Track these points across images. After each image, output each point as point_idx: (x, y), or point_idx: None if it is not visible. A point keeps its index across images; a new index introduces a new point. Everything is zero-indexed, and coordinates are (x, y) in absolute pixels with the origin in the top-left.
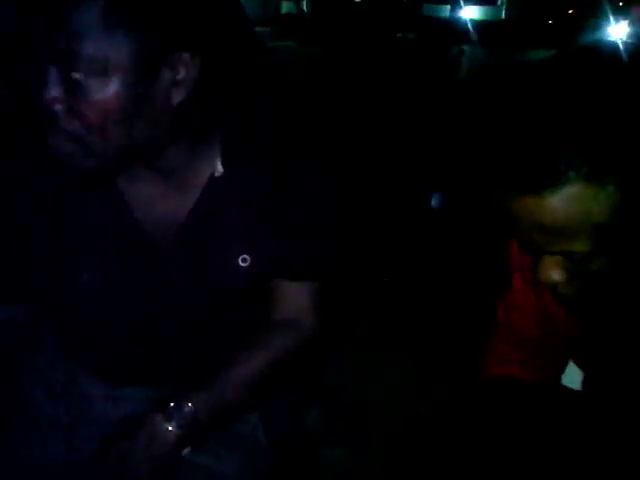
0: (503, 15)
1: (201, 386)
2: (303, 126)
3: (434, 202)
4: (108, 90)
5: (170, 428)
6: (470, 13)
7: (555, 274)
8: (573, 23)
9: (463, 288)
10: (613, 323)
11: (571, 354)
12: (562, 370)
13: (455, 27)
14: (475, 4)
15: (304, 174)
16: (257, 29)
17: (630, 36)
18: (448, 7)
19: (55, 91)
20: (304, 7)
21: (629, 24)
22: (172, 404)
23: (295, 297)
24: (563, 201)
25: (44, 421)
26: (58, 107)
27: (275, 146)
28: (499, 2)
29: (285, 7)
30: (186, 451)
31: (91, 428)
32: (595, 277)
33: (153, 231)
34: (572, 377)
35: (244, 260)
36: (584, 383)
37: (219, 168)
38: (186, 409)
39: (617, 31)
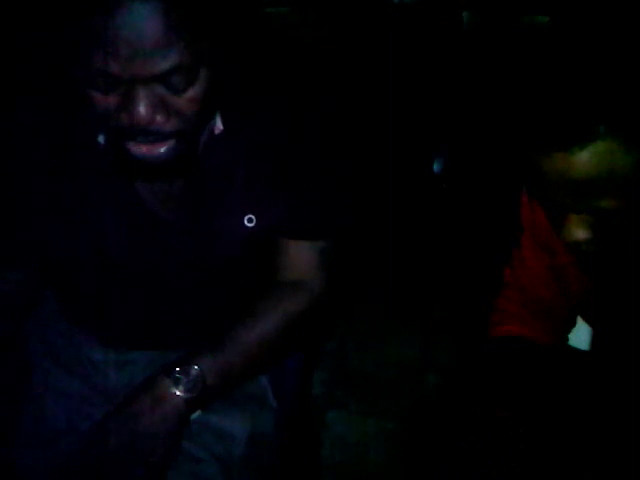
0: None
1: (209, 349)
2: (304, 82)
3: (436, 167)
4: (198, 84)
5: (177, 392)
6: None
7: (582, 232)
8: None
9: (470, 251)
10: (632, 282)
11: (580, 314)
12: (569, 330)
13: None
14: None
15: (309, 127)
16: None
17: None
18: None
19: (150, 106)
20: None
21: None
22: (179, 367)
23: (304, 257)
24: (592, 156)
25: (53, 390)
26: (158, 118)
27: (277, 99)
28: None
29: None
30: (195, 414)
31: (98, 394)
32: (620, 234)
33: (155, 202)
34: (579, 337)
35: (250, 220)
36: (592, 342)
37: (218, 125)
38: (193, 372)
39: None
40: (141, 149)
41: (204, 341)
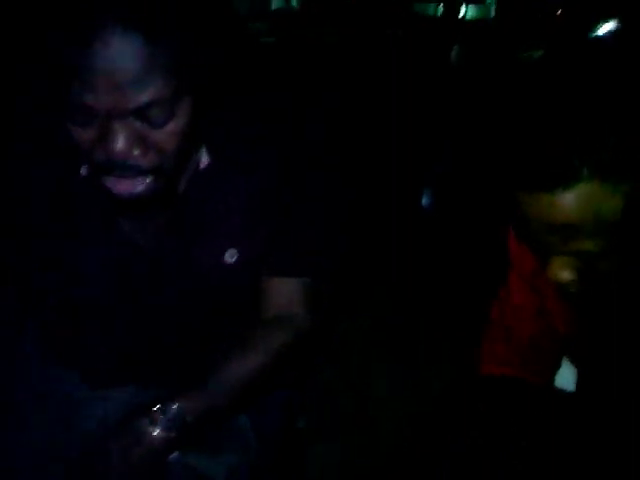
0: (492, 13)
1: (189, 387)
2: (292, 117)
3: (425, 201)
4: (178, 118)
5: (156, 432)
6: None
7: (566, 274)
8: (562, 23)
9: (457, 286)
10: (618, 323)
11: (567, 354)
12: (556, 371)
13: (445, 25)
14: (465, 2)
15: (296, 165)
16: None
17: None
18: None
19: (127, 141)
20: (294, 3)
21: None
22: (158, 406)
23: (287, 293)
24: (575, 198)
25: (25, 424)
26: (135, 153)
27: (266, 133)
28: (488, 1)
29: (275, 3)
30: (174, 455)
31: (75, 431)
32: (605, 276)
33: (135, 230)
34: (564, 378)
35: (231, 255)
36: (578, 384)
37: (204, 159)
38: (173, 411)
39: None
40: (117, 186)
41: (185, 378)
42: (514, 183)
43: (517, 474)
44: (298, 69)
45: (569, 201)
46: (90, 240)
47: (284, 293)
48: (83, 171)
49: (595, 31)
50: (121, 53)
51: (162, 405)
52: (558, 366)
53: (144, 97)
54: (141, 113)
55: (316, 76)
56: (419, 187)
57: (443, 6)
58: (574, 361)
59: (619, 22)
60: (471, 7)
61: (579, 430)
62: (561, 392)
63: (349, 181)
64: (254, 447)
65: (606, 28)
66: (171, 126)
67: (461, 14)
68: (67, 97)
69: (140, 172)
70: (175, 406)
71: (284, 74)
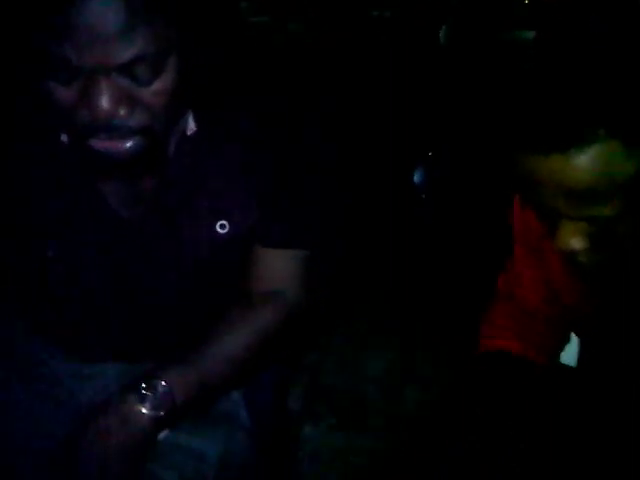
0: None
1: (178, 363)
2: (283, 82)
3: (417, 178)
4: (165, 76)
5: (144, 410)
6: None
7: (577, 241)
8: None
9: (456, 261)
10: (627, 295)
11: (573, 327)
12: (562, 346)
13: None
14: None
15: (288, 133)
16: None
17: None
18: None
19: (113, 99)
20: None
21: None
22: (146, 383)
23: (279, 267)
24: (591, 160)
25: (13, 406)
26: (121, 112)
27: (255, 99)
28: None
29: None
30: (163, 434)
31: (61, 409)
32: (617, 245)
33: (120, 203)
34: (569, 354)
35: (222, 226)
36: (580, 358)
37: (191, 125)
38: (160, 388)
39: None
40: (104, 144)
41: (174, 354)
42: (526, 145)
43: (515, 477)
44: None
45: (583, 162)
46: (72, 214)
47: (277, 266)
48: (63, 138)
49: None
50: (104, 4)
51: (150, 383)
52: (565, 341)
53: (129, 53)
54: (126, 70)
55: (306, 66)
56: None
57: None
58: (579, 335)
59: None
60: None
61: (580, 409)
62: (564, 369)
63: (346, 177)
64: (247, 425)
65: None
66: (158, 84)
67: None
68: (47, 53)
69: (127, 132)
70: (163, 384)
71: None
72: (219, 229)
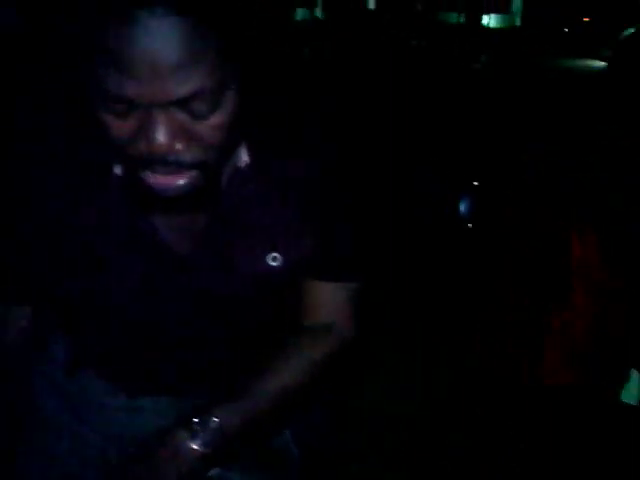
0: (518, 23)
1: (229, 399)
2: (334, 119)
3: (463, 208)
4: (222, 110)
5: (195, 446)
6: (485, 21)
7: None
8: (588, 31)
9: (454, 290)
10: None
11: (633, 362)
12: (621, 385)
13: (470, 35)
14: (490, 12)
15: (342, 166)
16: None
17: None
18: (457, 14)
19: (169, 133)
20: (318, 14)
21: None
22: (197, 419)
23: (332, 300)
24: None
25: (59, 433)
26: (177, 146)
27: (310, 132)
28: (514, 10)
29: (300, 14)
30: (215, 471)
31: (108, 441)
32: None
33: (171, 236)
34: (631, 392)
35: (274, 259)
36: None
37: (244, 158)
38: (212, 425)
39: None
40: (158, 181)
41: (219, 388)
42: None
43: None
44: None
45: None
46: (121, 247)
47: (330, 299)
48: (117, 170)
49: None
50: (163, 38)
51: (201, 418)
52: (624, 379)
53: (187, 87)
54: (184, 104)
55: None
56: (455, 193)
57: (465, 15)
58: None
59: None
60: (496, 16)
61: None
62: (625, 407)
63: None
64: (296, 461)
65: None
66: (215, 119)
67: (484, 22)
68: (104, 86)
69: (182, 167)
70: (215, 420)
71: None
72: (271, 262)
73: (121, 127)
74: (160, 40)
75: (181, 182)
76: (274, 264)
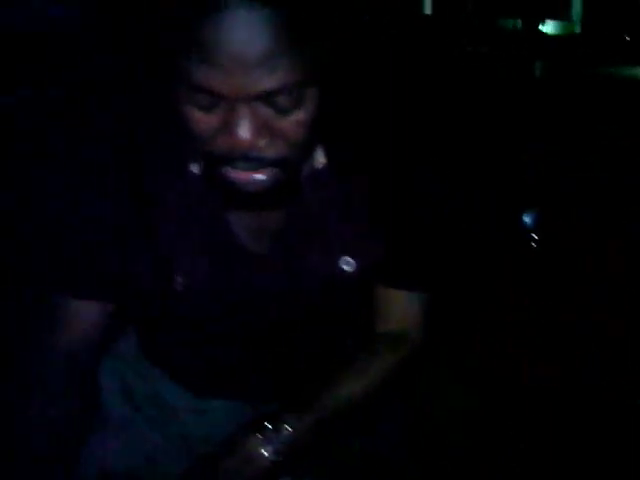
0: (578, 30)
1: (302, 406)
2: (413, 126)
3: (528, 219)
4: (306, 106)
5: (266, 453)
6: (542, 27)
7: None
8: None
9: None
10: None
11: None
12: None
13: (528, 41)
14: (548, 18)
15: (420, 173)
16: None
17: None
18: (513, 20)
19: (253, 129)
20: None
21: None
22: (269, 426)
23: (405, 309)
24: None
25: (125, 432)
26: (261, 141)
27: (390, 134)
28: (574, 17)
29: None
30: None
31: (174, 441)
32: None
33: (246, 235)
34: None
35: (348, 264)
36: None
37: (321, 159)
38: (285, 433)
39: None
40: (239, 176)
41: (289, 393)
42: None
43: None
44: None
45: None
46: (202, 248)
47: (402, 307)
48: (193, 168)
49: None
50: (251, 31)
51: (274, 425)
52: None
53: (272, 81)
54: (269, 98)
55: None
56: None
57: (522, 21)
58: None
59: None
60: (556, 23)
61: None
62: None
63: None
64: (364, 472)
65: None
66: (298, 115)
67: (542, 29)
68: (190, 79)
69: (265, 163)
70: (288, 427)
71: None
72: (343, 265)
73: (205, 121)
74: (249, 31)
75: (262, 178)
76: (346, 268)
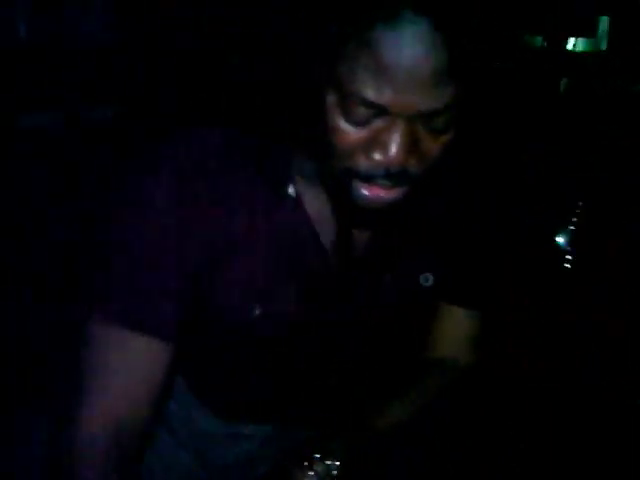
0: (604, 47)
1: (352, 438)
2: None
3: (563, 239)
4: (452, 130)
5: None
6: (570, 45)
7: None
8: None
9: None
10: None
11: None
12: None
13: (551, 58)
14: (573, 35)
15: (486, 200)
16: None
17: None
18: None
19: (407, 146)
20: None
21: None
22: (316, 458)
23: (465, 327)
24: None
25: (159, 458)
26: (411, 160)
27: (471, 158)
28: (600, 33)
29: None
30: None
31: (207, 464)
32: None
33: (332, 252)
34: None
35: (426, 279)
36: None
37: None
38: (332, 467)
39: None
40: (374, 191)
41: (330, 419)
42: None
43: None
44: None
45: None
46: (280, 270)
47: (463, 327)
48: (290, 190)
49: None
50: (428, 51)
51: (321, 458)
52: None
53: (440, 101)
54: (430, 118)
55: None
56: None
57: (547, 39)
58: None
59: None
60: (581, 40)
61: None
62: None
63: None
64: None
65: None
66: (446, 136)
67: (569, 46)
68: (354, 91)
69: (400, 182)
70: (336, 463)
71: None
72: (423, 282)
73: (354, 136)
74: (426, 48)
75: (392, 195)
76: (426, 284)
